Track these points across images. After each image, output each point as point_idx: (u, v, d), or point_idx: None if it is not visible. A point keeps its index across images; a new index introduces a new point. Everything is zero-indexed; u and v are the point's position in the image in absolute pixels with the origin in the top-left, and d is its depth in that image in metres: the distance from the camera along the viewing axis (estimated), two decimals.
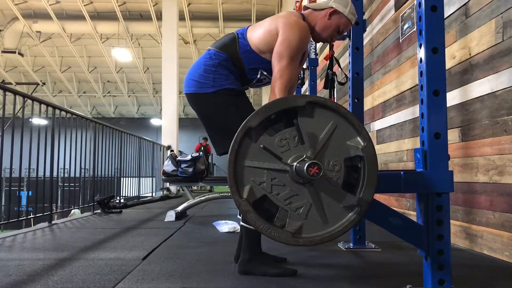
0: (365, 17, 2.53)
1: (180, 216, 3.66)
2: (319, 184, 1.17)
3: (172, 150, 8.10)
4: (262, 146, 1.16)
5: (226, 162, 1.19)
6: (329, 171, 1.18)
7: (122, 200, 5.44)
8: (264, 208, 1.18)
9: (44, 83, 16.73)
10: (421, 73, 1.34)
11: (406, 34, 2.94)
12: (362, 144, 1.18)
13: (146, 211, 4.60)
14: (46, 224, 3.31)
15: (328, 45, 3.03)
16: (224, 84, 1.67)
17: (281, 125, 1.21)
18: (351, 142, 1.20)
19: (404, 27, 2.98)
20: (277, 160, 1.16)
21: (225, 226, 2.95)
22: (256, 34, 1.70)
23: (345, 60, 4.45)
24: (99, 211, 4.34)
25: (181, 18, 10.90)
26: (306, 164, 1.09)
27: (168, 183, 6.17)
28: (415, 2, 1.76)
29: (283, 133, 1.18)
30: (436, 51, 1.31)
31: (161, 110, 9.76)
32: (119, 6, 11.92)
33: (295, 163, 1.15)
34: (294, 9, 4.03)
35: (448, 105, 1.93)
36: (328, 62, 2.98)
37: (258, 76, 1.75)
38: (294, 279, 1.56)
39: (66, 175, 5.78)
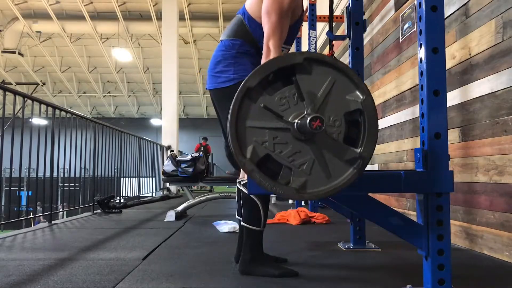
0: (365, 17, 2.53)
1: (180, 216, 3.66)
2: (321, 139, 1.17)
3: (172, 150, 8.10)
4: (262, 105, 1.15)
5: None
6: (329, 127, 1.18)
7: (122, 200, 5.44)
8: (268, 167, 1.18)
9: (44, 83, 16.73)
10: (421, 73, 1.34)
11: (406, 34, 2.94)
12: (361, 97, 1.18)
13: (146, 211, 4.60)
14: (46, 224, 3.31)
15: (328, 45, 3.03)
16: (244, 75, 1.65)
17: (280, 84, 1.20)
18: (350, 97, 1.19)
19: (404, 27, 2.98)
20: (278, 118, 1.17)
21: (225, 226, 2.95)
22: (253, 5, 1.67)
23: (345, 60, 4.45)
24: (99, 211, 4.34)
25: (181, 18, 10.90)
26: (309, 118, 1.10)
27: (168, 183, 6.16)
28: (415, 2, 1.77)
29: (282, 91, 1.18)
30: (436, 51, 1.31)
31: (161, 110, 9.77)
32: (119, 6, 11.93)
33: (296, 120, 1.15)
34: None
35: (448, 105, 1.93)
36: None
37: None
38: (294, 279, 1.56)
39: (66, 175, 5.77)
